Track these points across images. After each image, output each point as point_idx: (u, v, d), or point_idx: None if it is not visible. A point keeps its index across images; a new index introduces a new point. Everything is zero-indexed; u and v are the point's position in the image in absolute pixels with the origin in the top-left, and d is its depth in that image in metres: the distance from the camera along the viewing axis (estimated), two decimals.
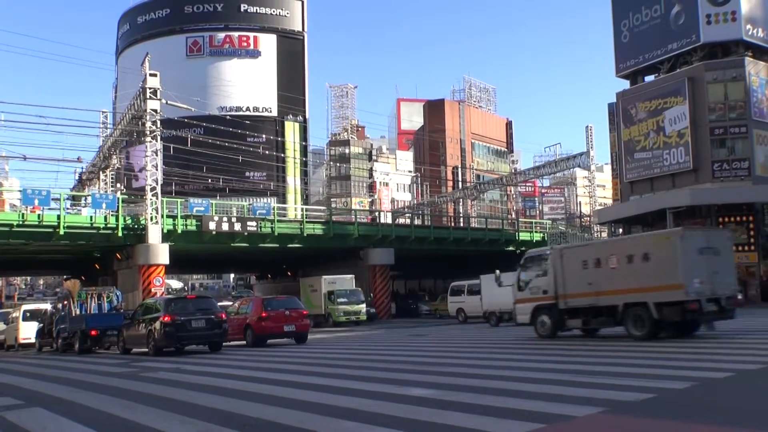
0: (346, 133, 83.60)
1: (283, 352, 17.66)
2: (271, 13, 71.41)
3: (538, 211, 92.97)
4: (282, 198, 65.26)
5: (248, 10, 70.76)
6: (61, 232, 31.22)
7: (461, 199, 64.61)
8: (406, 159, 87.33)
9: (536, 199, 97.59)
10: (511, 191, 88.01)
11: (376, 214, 56.73)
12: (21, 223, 30.94)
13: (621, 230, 46.57)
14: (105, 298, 25.99)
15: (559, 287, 16.90)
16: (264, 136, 63.13)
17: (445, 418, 6.26)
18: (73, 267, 48.63)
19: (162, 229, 33.58)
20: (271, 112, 69.40)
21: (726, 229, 17.77)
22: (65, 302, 25.93)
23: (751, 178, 38.81)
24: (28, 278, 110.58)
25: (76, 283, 47.74)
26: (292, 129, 69.34)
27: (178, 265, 39.18)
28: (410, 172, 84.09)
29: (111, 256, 36.40)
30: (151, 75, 33.87)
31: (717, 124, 39.52)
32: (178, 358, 16.62)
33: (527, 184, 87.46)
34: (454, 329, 26.47)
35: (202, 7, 70.72)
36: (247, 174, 63.48)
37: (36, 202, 30.86)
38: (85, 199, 37.12)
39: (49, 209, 32.12)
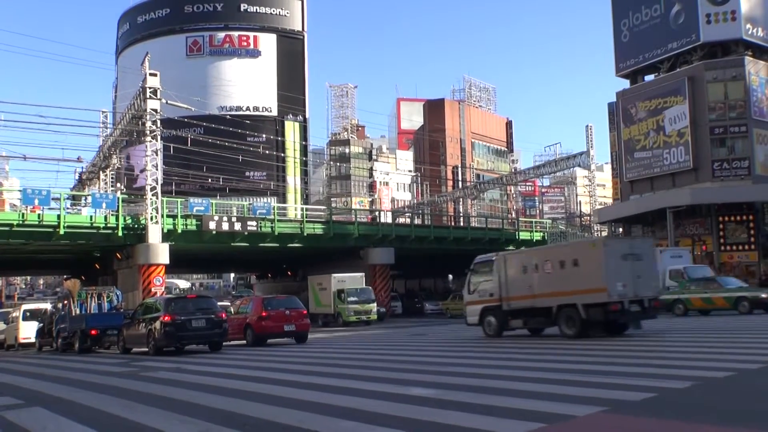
0: (346, 133, 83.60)
1: (283, 351, 17.65)
2: (270, 13, 71.42)
3: (538, 211, 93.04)
4: (282, 198, 65.28)
5: (248, 10, 70.78)
6: (61, 231, 31.21)
7: (461, 199, 64.61)
8: (406, 158, 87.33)
9: (536, 198, 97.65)
10: (511, 191, 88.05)
11: (376, 213, 56.70)
12: (21, 222, 30.93)
13: (621, 229, 46.63)
14: (105, 298, 25.97)
15: (503, 290, 18.21)
16: (264, 135, 63.14)
17: (445, 418, 6.26)
18: (73, 267, 48.64)
19: (162, 229, 33.57)
20: (271, 111, 69.42)
21: (649, 237, 19.79)
22: (65, 302, 25.94)
23: (751, 177, 38.83)
24: (28, 278, 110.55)
25: (76, 283, 47.75)
26: (292, 128, 69.37)
27: (178, 264, 39.17)
28: (410, 171, 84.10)
29: (111, 255, 36.39)
30: (151, 75, 33.86)
31: (717, 124, 39.54)
32: (178, 358, 16.61)
33: (527, 184, 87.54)
34: (458, 329, 26.43)
35: (202, 6, 70.73)
36: (247, 174, 63.50)
37: (36, 201, 30.85)
38: (85, 199, 37.10)
39: (49, 209, 32.14)
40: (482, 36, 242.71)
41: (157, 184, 33.61)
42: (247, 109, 68.39)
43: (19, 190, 34.91)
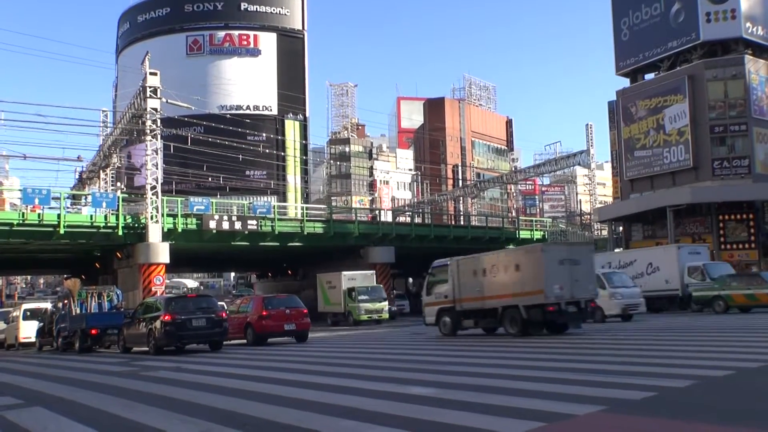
0: (346, 132, 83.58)
1: (283, 351, 17.66)
2: (271, 12, 71.37)
3: (538, 209, 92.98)
4: (282, 197, 65.24)
5: (248, 9, 70.72)
6: (62, 231, 31.22)
7: (461, 198, 64.62)
8: (406, 157, 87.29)
9: (536, 197, 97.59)
10: (511, 189, 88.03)
11: (377, 212, 56.66)
12: (21, 222, 30.94)
13: (621, 228, 46.61)
14: (105, 297, 25.96)
15: (456, 293, 19.66)
16: (264, 134, 63.02)
17: (444, 417, 6.26)
18: (73, 266, 48.65)
19: (162, 228, 33.58)
20: (271, 110, 69.38)
21: (588, 242, 21.06)
22: (65, 301, 25.94)
23: (751, 176, 38.84)
24: (29, 277, 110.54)
25: (77, 282, 47.75)
26: (292, 127, 69.33)
27: (178, 264, 39.18)
28: (410, 170, 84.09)
29: (111, 255, 36.40)
30: (151, 74, 33.86)
31: (717, 122, 39.54)
32: (178, 357, 16.62)
33: (527, 182, 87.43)
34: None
35: (202, 5, 70.67)
36: (247, 173, 63.52)
37: (36, 201, 30.85)
38: (86, 198, 37.10)
39: (50, 208, 32.13)
40: (482, 35, 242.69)
41: (157, 183, 33.62)
42: (248, 108, 68.35)
43: (20, 190, 34.90)
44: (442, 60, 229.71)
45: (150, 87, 33.52)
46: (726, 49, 40.97)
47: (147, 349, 18.68)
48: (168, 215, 34.72)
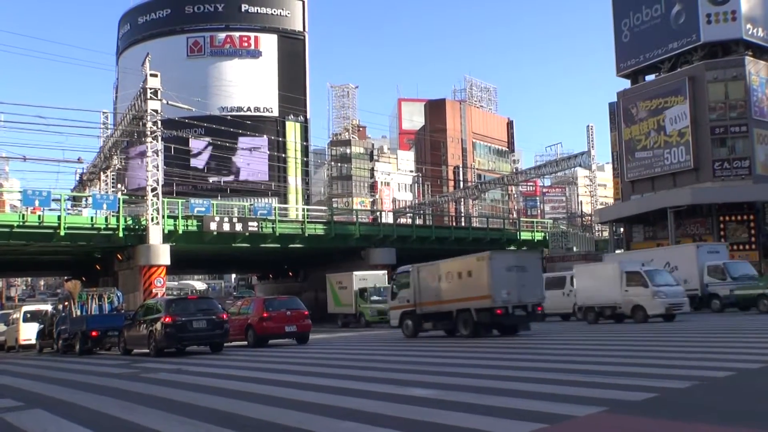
0: (347, 133, 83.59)
1: (284, 352, 17.64)
2: (272, 13, 71.38)
3: (539, 211, 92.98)
4: (283, 198, 65.24)
5: (249, 10, 70.74)
6: (62, 232, 31.21)
7: (462, 199, 64.62)
8: (407, 159, 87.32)
9: (537, 198, 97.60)
10: (512, 191, 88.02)
11: (378, 214, 56.69)
12: (21, 223, 30.93)
13: (622, 229, 46.58)
14: (106, 299, 25.91)
15: (417, 297, 21.05)
16: (265, 136, 63.12)
17: (445, 418, 6.25)
18: (73, 268, 48.62)
19: (163, 230, 33.56)
20: (272, 112, 69.38)
21: (536, 250, 21.76)
22: (66, 303, 25.88)
23: (752, 177, 38.84)
24: (29, 279, 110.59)
25: (77, 284, 47.49)
26: (293, 129, 69.31)
27: (179, 265, 39.16)
28: (411, 171, 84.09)
29: (112, 256, 36.39)
30: (151, 75, 33.86)
31: (717, 123, 39.54)
32: (179, 359, 16.61)
33: (528, 184, 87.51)
34: None
35: (202, 7, 70.69)
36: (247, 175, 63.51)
37: (36, 202, 30.84)
38: (86, 200, 37.10)
39: (50, 210, 32.11)
40: (483, 36, 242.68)
41: (157, 184, 33.61)
42: (248, 109, 68.35)
43: (20, 191, 34.92)
44: (442, 61, 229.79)
45: (150, 88, 33.53)
46: (726, 50, 40.98)
47: (147, 350, 18.66)
48: (169, 217, 34.71)
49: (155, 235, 33.09)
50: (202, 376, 11.96)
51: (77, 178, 50.23)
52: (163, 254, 33.16)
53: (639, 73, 45.30)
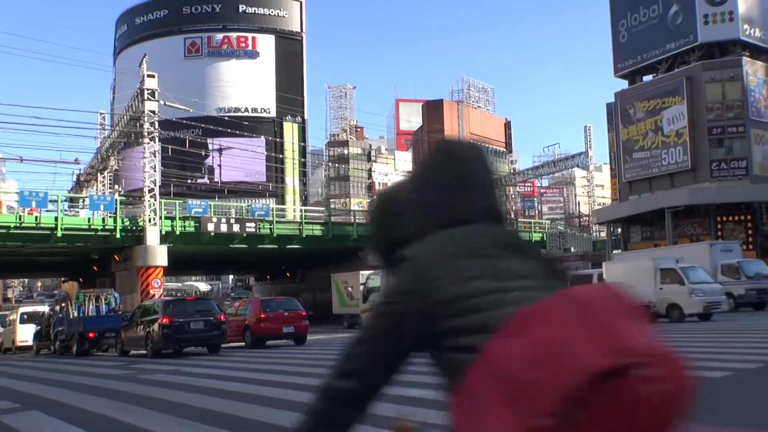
0: (344, 134, 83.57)
1: (281, 353, 17.62)
2: (269, 14, 71.35)
3: (537, 211, 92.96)
4: (281, 199, 65.18)
5: (246, 11, 70.69)
6: (59, 233, 31.15)
7: None
8: (405, 159, 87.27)
9: (535, 199, 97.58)
10: (510, 191, 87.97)
11: None
12: (18, 225, 30.85)
13: (620, 230, 46.61)
14: (103, 300, 25.92)
15: None
16: (263, 136, 63.09)
17: (441, 418, 6.23)
18: (70, 269, 48.54)
19: (160, 231, 33.51)
20: (269, 112, 69.34)
21: None
22: (63, 304, 25.87)
23: (749, 178, 38.89)
24: (26, 281, 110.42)
25: (74, 285, 47.49)
26: (290, 130, 69.27)
27: (176, 266, 39.08)
28: (409, 172, 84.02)
29: (109, 257, 36.32)
30: (148, 76, 33.82)
31: (715, 124, 39.58)
32: (176, 360, 16.58)
33: (526, 184, 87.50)
34: None
35: (200, 8, 70.63)
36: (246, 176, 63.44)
37: (33, 203, 30.77)
38: (83, 201, 37.05)
39: (47, 211, 32.03)
40: (480, 37, 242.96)
41: (155, 185, 33.57)
42: (246, 110, 68.29)
43: (16, 192, 34.84)
44: (440, 62, 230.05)
45: (148, 89, 33.48)
46: (724, 50, 41.03)
47: (145, 352, 18.64)
48: (166, 218, 34.66)
49: (152, 236, 33.04)
50: (200, 377, 11.94)
51: (74, 179, 50.17)
52: (160, 255, 33.10)
53: (636, 73, 45.34)
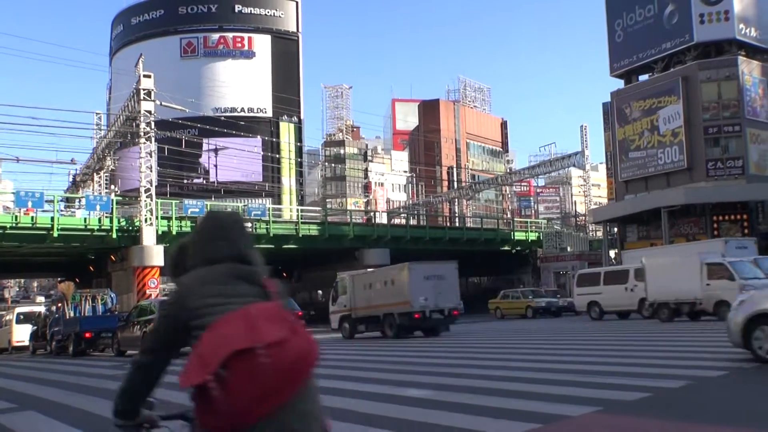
0: (341, 134, 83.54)
1: None
2: (265, 14, 71.27)
3: (533, 211, 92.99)
4: (277, 199, 65.10)
5: (242, 11, 70.60)
6: (55, 234, 31.09)
7: (456, 199, 64.62)
8: (401, 159, 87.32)
9: (531, 198, 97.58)
10: (506, 191, 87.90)
11: (372, 214, 56.71)
12: (14, 225, 30.79)
13: (616, 229, 46.66)
14: (99, 300, 25.86)
15: (352, 303, 23.25)
16: (259, 136, 63.03)
17: (439, 419, 6.24)
18: (67, 269, 48.47)
19: (156, 231, 33.48)
20: (265, 112, 69.26)
21: (453, 261, 23.02)
22: (59, 304, 25.80)
23: (745, 177, 38.95)
24: (22, 281, 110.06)
25: (71, 286, 47.36)
26: (286, 130, 69.18)
27: None
28: (405, 172, 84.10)
29: (105, 258, 36.28)
30: (145, 76, 33.78)
31: (711, 123, 39.64)
32: (173, 360, 16.53)
33: (522, 184, 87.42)
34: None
35: (196, 8, 70.51)
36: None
37: (29, 204, 30.70)
38: (79, 201, 36.96)
39: (43, 211, 31.97)
40: (476, 37, 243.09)
41: (151, 185, 33.52)
42: (242, 110, 68.19)
43: (13, 193, 34.76)
44: (437, 62, 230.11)
45: (144, 89, 33.44)
46: (719, 50, 41.10)
47: None
48: (162, 218, 34.62)
49: (149, 236, 33.00)
50: None
51: (70, 180, 50.09)
52: (156, 255, 33.07)
53: (632, 73, 45.37)
